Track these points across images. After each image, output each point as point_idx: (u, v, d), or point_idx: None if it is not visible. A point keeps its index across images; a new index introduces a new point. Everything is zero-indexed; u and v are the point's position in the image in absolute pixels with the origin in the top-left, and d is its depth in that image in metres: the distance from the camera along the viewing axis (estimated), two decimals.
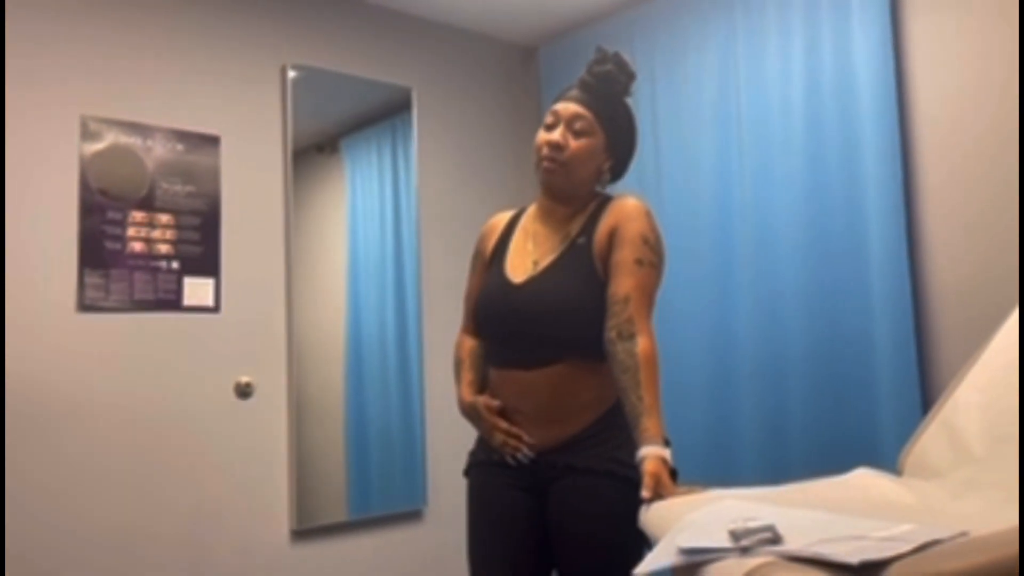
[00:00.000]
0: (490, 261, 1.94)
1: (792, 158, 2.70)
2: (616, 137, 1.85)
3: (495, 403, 1.83)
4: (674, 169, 3.03)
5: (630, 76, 1.84)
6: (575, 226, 1.84)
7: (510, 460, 1.80)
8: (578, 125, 1.80)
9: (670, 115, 3.06)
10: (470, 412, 1.88)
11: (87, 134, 2.55)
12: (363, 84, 3.16)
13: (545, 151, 1.81)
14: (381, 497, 3.12)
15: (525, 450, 1.78)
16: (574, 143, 1.80)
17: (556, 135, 1.80)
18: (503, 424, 1.81)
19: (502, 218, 2.00)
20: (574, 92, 1.84)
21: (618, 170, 1.91)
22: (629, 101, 1.88)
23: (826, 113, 2.63)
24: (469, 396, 1.89)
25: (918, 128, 2.50)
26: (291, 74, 2.96)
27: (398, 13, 3.29)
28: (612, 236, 1.77)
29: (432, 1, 3.23)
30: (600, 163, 1.85)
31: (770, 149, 2.76)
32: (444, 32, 3.42)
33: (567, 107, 1.82)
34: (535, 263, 1.84)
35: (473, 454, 1.94)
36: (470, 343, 1.95)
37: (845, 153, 2.58)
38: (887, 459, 1.73)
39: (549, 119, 1.84)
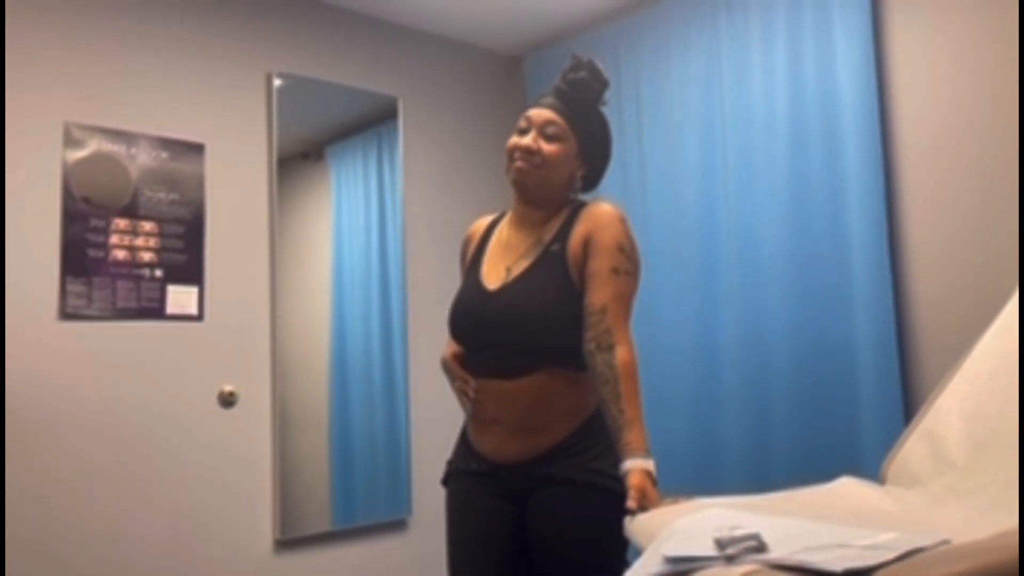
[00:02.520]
0: (469, 267, 1.95)
1: (775, 166, 2.72)
2: (589, 143, 1.85)
3: (459, 350, 1.88)
4: (659, 178, 3.04)
5: (603, 83, 1.84)
6: (548, 232, 1.83)
7: (465, 408, 1.84)
8: (550, 130, 1.81)
9: (655, 125, 3.08)
10: (444, 365, 1.93)
11: (70, 141, 2.54)
12: (349, 93, 3.16)
13: (517, 154, 1.82)
14: (366, 507, 3.10)
15: (470, 393, 1.82)
16: (547, 147, 1.80)
17: (528, 140, 1.81)
18: (460, 372, 1.85)
19: (482, 222, 2.00)
20: (547, 99, 1.85)
21: (592, 178, 1.90)
22: (604, 111, 1.88)
23: (809, 122, 2.66)
24: (449, 352, 1.93)
25: (900, 136, 2.53)
26: (276, 82, 2.96)
27: (384, 22, 3.29)
28: (586, 244, 1.76)
29: (418, 11, 3.24)
30: (573, 169, 1.84)
31: (754, 158, 2.78)
32: (430, 42, 3.43)
33: (540, 113, 1.82)
34: (508, 270, 1.83)
35: (451, 463, 1.92)
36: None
37: (828, 161, 2.61)
38: (870, 468, 1.74)
39: (522, 124, 1.84)
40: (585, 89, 1.83)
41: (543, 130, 1.81)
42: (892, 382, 2.42)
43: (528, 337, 1.75)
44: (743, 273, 2.77)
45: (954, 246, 2.41)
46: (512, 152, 1.83)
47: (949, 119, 2.43)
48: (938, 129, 2.46)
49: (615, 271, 1.73)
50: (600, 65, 1.84)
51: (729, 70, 2.87)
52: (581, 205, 1.85)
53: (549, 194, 1.85)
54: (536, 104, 1.86)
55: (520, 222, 1.89)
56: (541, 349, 1.75)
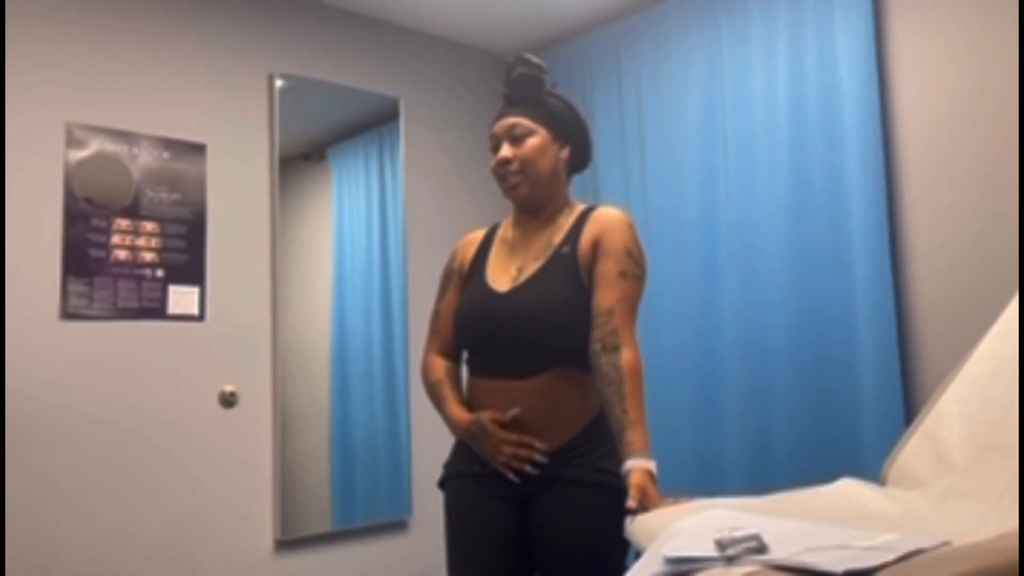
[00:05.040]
0: (469, 275, 1.94)
1: (776, 170, 2.72)
2: (558, 124, 1.87)
3: (501, 416, 1.74)
4: (659, 181, 3.04)
5: (540, 69, 1.88)
6: (558, 234, 1.84)
7: (513, 478, 1.73)
8: (517, 132, 1.85)
9: (655, 127, 3.08)
10: (472, 430, 1.78)
11: (72, 141, 2.54)
12: (350, 93, 3.16)
13: (500, 171, 1.86)
14: (366, 507, 3.10)
15: (537, 457, 1.72)
16: (519, 150, 1.84)
17: (502, 152, 1.85)
18: (513, 436, 1.73)
19: (477, 235, 2.01)
20: (503, 109, 1.91)
21: (580, 156, 1.92)
22: (559, 91, 1.92)
23: (810, 124, 2.66)
24: (466, 414, 1.81)
25: (902, 139, 2.53)
26: (278, 83, 2.96)
27: (386, 23, 3.30)
28: (596, 247, 1.78)
29: (420, 12, 3.24)
30: (555, 153, 1.86)
31: (755, 161, 2.78)
32: (432, 43, 3.44)
33: (501, 124, 1.88)
34: (519, 270, 1.84)
35: (448, 466, 1.92)
36: (441, 362, 1.94)
37: (829, 164, 2.61)
38: (871, 470, 1.74)
39: (492, 142, 1.89)
40: (529, 81, 1.87)
41: (510, 135, 1.85)
42: (893, 383, 2.42)
43: (540, 337, 1.76)
44: (744, 276, 2.77)
45: (955, 248, 2.41)
46: (496, 171, 1.88)
47: (951, 122, 2.43)
48: (940, 132, 2.45)
49: (623, 275, 1.75)
50: (528, 55, 1.89)
51: (730, 72, 2.87)
52: (590, 208, 1.87)
53: (545, 191, 1.86)
54: (495, 121, 1.91)
55: (525, 225, 1.91)
56: (552, 349, 1.76)
